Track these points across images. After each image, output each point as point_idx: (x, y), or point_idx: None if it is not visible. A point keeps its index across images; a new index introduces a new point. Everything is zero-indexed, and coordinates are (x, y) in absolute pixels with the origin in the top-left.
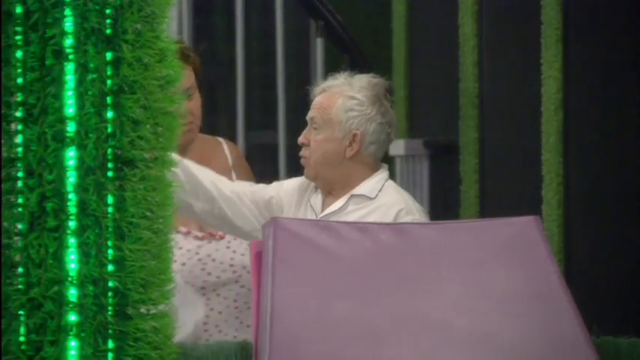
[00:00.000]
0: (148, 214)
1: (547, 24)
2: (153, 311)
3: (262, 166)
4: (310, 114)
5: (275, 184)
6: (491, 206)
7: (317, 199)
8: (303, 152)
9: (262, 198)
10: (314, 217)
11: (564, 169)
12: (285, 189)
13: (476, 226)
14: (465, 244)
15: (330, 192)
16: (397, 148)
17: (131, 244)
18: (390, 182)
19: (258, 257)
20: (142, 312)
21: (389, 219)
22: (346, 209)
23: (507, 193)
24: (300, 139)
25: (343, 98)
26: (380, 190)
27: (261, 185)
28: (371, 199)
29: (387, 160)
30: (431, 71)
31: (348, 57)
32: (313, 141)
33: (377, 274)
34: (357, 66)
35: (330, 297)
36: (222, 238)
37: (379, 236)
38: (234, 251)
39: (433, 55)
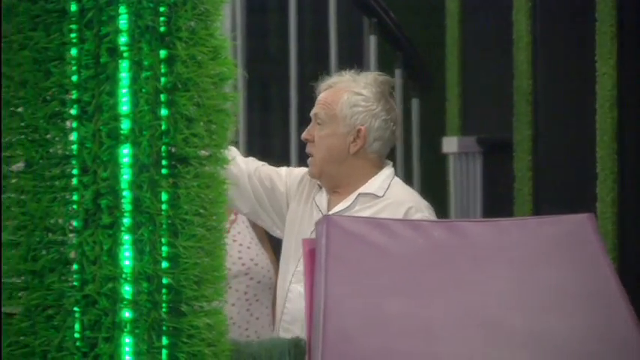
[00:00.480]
0: (202, 211)
1: (601, 21)
2: (206, 308)
3: None
4: (314, 110)
5: (285, 171)
6: (545, 204)
7: (322, 197)
8: (308, 149)
9: (271, 184)
10: (320, 217)
11: (619, 166)
12: (294, 178)
13: (529, 224)
14: (519, 241)
15: (335, 190)
16: (450, 145)
17: (185, 241)
18: (397, 179)
19: (311, 255)
20: (196, 309)
21: (398, 217)
22: (354, 208)
23: (561, 191)
24: (304, 136)
25: (348, 94)
26: (387, 188)
27: (272, 169)
28: (379, 197)
29: (441, 157)
30: (484, 68)
31: (402, 55)
32: (317, 137)
33: (429, 272)
34: (410, 64)
35: (382, 294)
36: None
37: (432, 233)
38: (240, 244)
39: (487, 53)
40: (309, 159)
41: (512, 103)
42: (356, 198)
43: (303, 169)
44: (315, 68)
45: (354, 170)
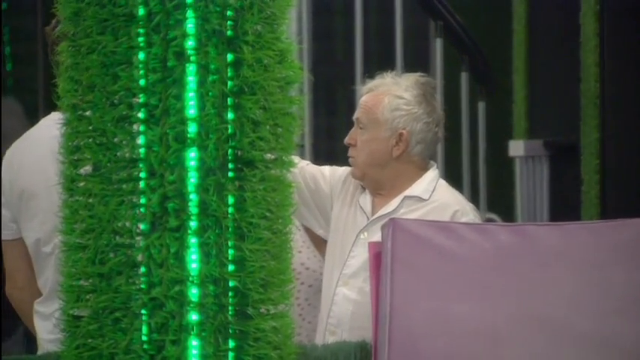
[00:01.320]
0: (268, 214)
1: None
2: (273, 311)
3: None
4: (356, 114)
5: (329, 170)
6: (612, 207)
7: (366, 200)
8: (350, 152)
9: (315, 184)
10: (365, 219)
11: None
12: (338, 178)
13: (596, 228)
14: (585, 245)
15: (379, 192)
16: (517, 148)
17: (251, 245)
18: (442, 182)
19: (377, 258)
20: (262, 312)
21: (444, 220)
22: (399, 211)
23: (629, 194)
24: (347, 140)
25: (389, 97)
26: (433, 191)
27: (316, 169)
28: (424, 200)
29: (507, 160)
30: (551, 71)
31: (468, 58)
32: (360, 141)
33: (495, 275)
34: (477, 67)
35: (448, 297)
36: None
37: (498, 237)
38: None
39: (554, 55)
40: (351, 160)
41: (579, 106)
42: (402, 201)
43: (347, 169)
44: (380, 70)
45: (398, 173)
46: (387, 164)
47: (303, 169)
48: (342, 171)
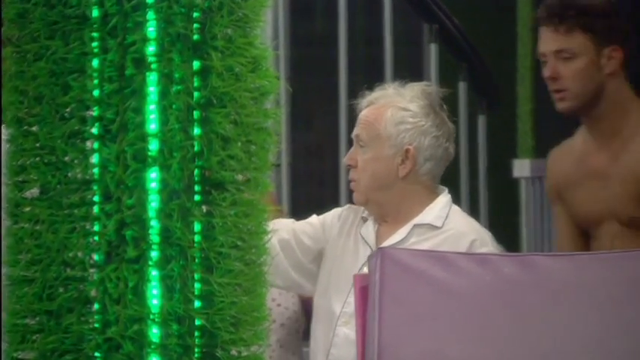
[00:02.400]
0: (240, 243)
1: None
2: (245, 353)
3: None
4: (355, 131)
5: (317, 221)
6: None
7: (368, 229)
8: (350, 175)
9: (305, 246)
10: (368, 251)
11: None
12: (330, 225)
13: (612, 259)
14: (601, 278)
15: (385, 219)
16: (522, 168)
17: (220, 278)
18: (456, 208)
19: (363, 293)
20: (233, 354)
21: (460, 251)
22: (409, 241)
23: None
24: (346, 160)
25: (393, 110)
26: (446, 217)
27: (303, 227)
28: (437, 228)
29: (511, 182)
30: None
31: (466, 65)
32: (361, 161)
33: (499, 313)
34: (476, 76)
35: (444, 338)
36: None
37: (501, 269)
38: None
39: None
40: (352, 183)
41: None
42: (411, 229)
43: (338, 210)
44: (367, 81)
45: (405, 196)
46: (393, 186)
47: (295, 230)
48: (332, 213)
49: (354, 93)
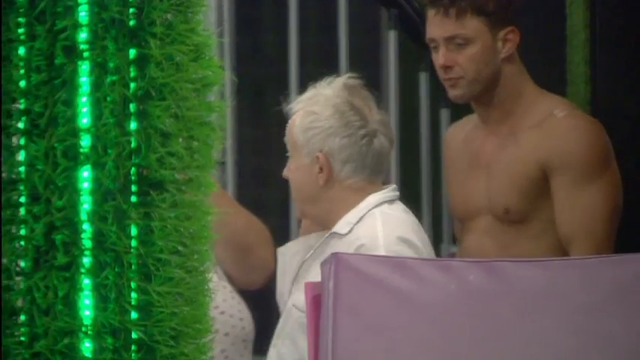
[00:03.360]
0: (181, 248)
1: None
2: None
3: None
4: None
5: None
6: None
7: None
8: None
9: None
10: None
11: None
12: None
13: (588, 265)
14: (574, 286)
15: (326, 230)
16: None
17: (159, 286)
18: (377, 211)
19: (316, 302)
20: None
21: None
22: (324, 252)
23: (631, 218)
24: (284, 173)
25: (302, 115)
26: (357, 222)
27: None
28: (343, 235)
29: None
30: (532, 72)
31: (428, 54)
32: (289, 172)
33: (464, 325)
34: None
35: (406, 351)
36: None
37: (466, 277)
38: None
39: (534, 52)
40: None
41: None
42: (325, 239)
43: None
44: (320, 71)
45: (334, 205)
46: (319, 196)
47: None
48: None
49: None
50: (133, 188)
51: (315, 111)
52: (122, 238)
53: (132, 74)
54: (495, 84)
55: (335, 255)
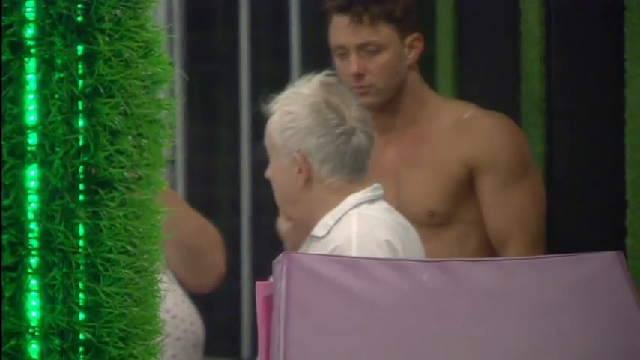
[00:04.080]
0: (130, 248)
1: (631, 10)
2: None
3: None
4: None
5: None
6: (561, 238)
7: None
8: None
9: None
10: None
11: None
12: None
13: (542, 265)
14: (529, 286)
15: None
16: None
17: (108, 286)
18: (355, 212)
19: (267, 303)
20: None
21: None
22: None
23: (582, 222)
24: (266, 174)
25: (279, 115)
26: (335, 224)
27: None
28: (320, 238)
29: None
30: (485, 69)
31: None
32: (270, 173)
33: (417, 325)
34: None
35: (359, 352)
36: None
37: (420, 277)
38: None
39: (488, 49)
40: None
41: (519, 113)
42: (307, 243)
43: None
44: (272, 67)
45: (315, 206)
46: (300, 198)
47: None
48: None
49: (257, 81)
50: (81, 187)
51: (292, 110)
52: (70, 238)
53: (80, 71)
54: (400, 91)
55: (286, 254)
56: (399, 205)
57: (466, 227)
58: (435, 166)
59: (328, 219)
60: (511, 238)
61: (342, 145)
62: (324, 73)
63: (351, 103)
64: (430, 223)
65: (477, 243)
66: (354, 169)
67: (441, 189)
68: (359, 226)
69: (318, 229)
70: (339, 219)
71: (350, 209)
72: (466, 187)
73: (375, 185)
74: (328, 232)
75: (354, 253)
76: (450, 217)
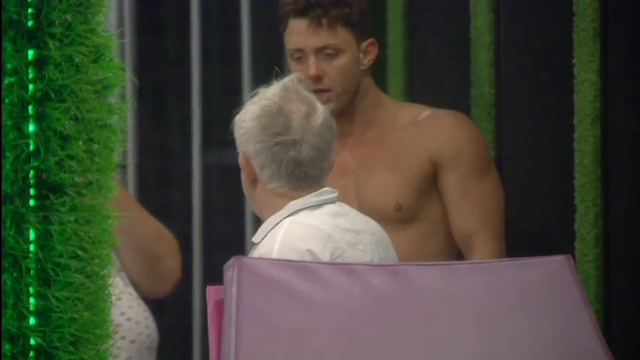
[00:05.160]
0: (80, 253)
1: (580, 15)
2: None
3: (224, 194)
4: None
5: None
6: (512, 243)
7: None
8: None
9: None
10: None
11: (602, 197)
12: None
13: (492, 269)
14: (480, 289)
15: None
16: None
17: (58, 291)
18: (288, 220)
19: (219, 307)
20: None
21: None
22: None
23: (531, 227)
24: None
25: (238, 115)
26: (270, 231)
27: None
28: (256, 244)
29: None
30: (435, 73)
31: None
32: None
33: (368, 328)
34: None
35: (309, 356)
36: None
37: (370, 280)
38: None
39: (438, 53)
40: None
41: (469, 117)
42: (253, 246)
43: None
44: (224, 71)
45: (263, 207)
46: (251, 195)
47: None
48: None
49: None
50: (32, 192)
51: (247, 110)
52: (20, 243)
53: (30, 76)
54: (356, 96)
55: (237, 259)
56: (362, 204)
57: (432, 226)
58: (399, 161)
59: (265, 225)
60: (477, 232)
61: (277, 154)
62: (292, 76)
63: (312, 112)
64: (396, 218)
65: (440, 244)
66: (294, 178)
67: (406, 183)
68: (284, 236)
69: (257, 235)
70: (275, 225)
71: (288, 216)
72: (431, 183)
73: (322, 190)
74: (263, 238)
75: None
76: (416, 212)
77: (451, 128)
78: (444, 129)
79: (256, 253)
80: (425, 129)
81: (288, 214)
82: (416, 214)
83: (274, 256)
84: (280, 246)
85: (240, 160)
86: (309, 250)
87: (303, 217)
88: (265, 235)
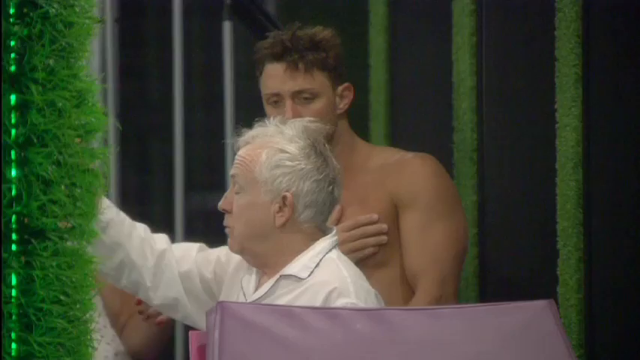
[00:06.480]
0: (63, 297)
1: (562, 60)
2: None
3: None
4: (232, 170)
5: (225, 252)
6: (493, 287)
7: (250, 279)
8: (225, 221)
9: (203, 274)
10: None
11: (585, 241)
12: (227, 260)
13: (475, 313)
14: (462, 335)
15: (264, 270)
16: None
17: (41, 337)
18: (332, 255)
19: (201, 352)
20: None
21: (317, 302)
22: (274, 294)
23: (514, 272)
24: (221, 205)
25: (269, 151)
26: (316, 267)
27: (209, 253)
28: (302, 279)
29: None
30: (417, 118)
31: None
32: (236, 206)
33: None
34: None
35: None
36: None
37: (353, 325)
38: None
39: (420, 97)
40: (227, 230)
41: (452, 162)
42: (276, 281)
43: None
44: (207, 115)
45: (283, 246)
46: (270, 236)
47: (197, 261)
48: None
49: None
50: (14, 236)
51: (287, 149)
52: (2, 287)
53: (13, 120)
54: (331, 140)
55: (220, 303)
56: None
57: (399, 272)
58: (366, 204)
59: (307, 261)
60: (421, 273)
61: (329, 194)
62: (307, 119)
63: (330, 154)
64: (365, 262)
65: (409, 290)
66: (326, 218)
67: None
68: (347, 271)
69: (298, 271)
70: (319, 262)
71: (326, 253)
72: (396, 225)
73: (334, 231)
74: (311, 274)
75: (352, 298)
76: (387, 256)
77: (412, 171)
78: (407, 171)
79: (320, 288)
80: (389, 172)
81: (327, 251)
82: (387, 258)
83: (352, 290)
84: (352, 281)
85: (280, 199)
86: (368, 288)
87: (340, 256)
88: (312, 271)
